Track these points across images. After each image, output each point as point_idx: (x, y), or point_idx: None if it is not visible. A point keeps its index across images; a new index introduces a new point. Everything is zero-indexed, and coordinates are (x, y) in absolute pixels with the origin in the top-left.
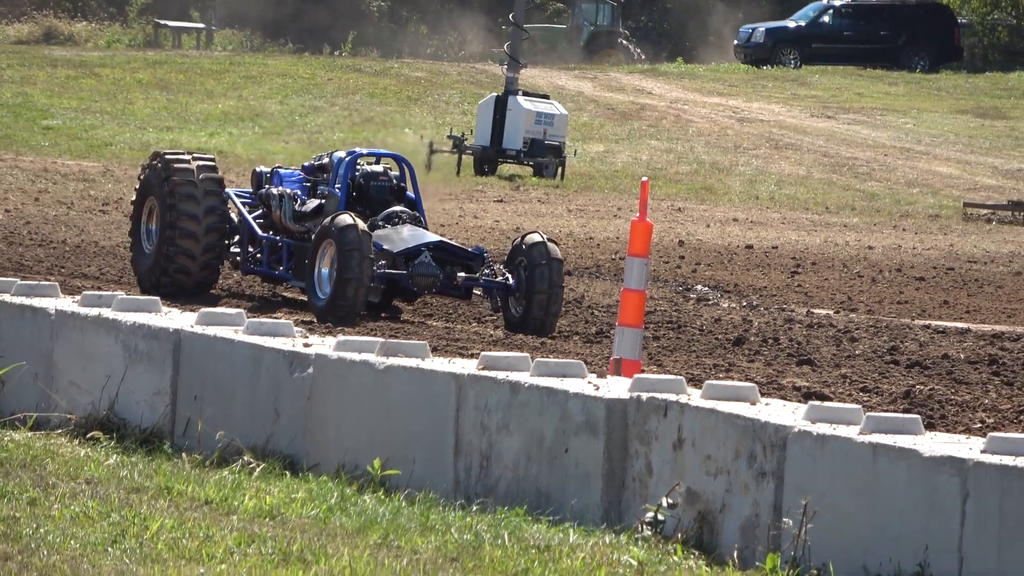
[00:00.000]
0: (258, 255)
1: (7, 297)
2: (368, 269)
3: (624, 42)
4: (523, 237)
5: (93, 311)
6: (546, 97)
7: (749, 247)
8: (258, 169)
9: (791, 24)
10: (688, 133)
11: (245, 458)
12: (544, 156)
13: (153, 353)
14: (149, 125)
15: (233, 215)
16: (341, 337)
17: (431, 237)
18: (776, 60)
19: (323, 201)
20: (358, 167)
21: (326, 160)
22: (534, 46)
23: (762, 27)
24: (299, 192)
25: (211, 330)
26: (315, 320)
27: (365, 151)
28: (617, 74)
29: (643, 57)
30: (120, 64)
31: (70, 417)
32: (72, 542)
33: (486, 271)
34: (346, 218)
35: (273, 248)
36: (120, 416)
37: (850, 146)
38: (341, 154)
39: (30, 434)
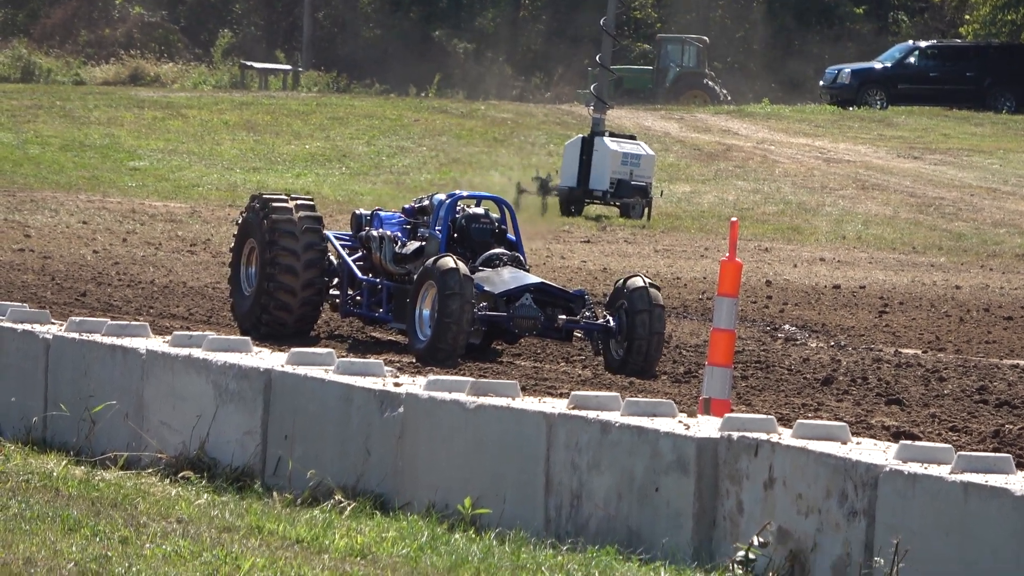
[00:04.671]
0: (358, 297)
1: (98, 337)
2: (469, 312)
3: (710, 83)
4: (625, 280)
5: (184, 351)
6: (632, 138)
7: (836, 287)
8: (358, 212)
9: (877, 65)
10: (774, 173)
11: (336, 497)
12: (631, 197)
13: (244, 393)
14: (236, 166)
15: (332, 258)
16: (432, 376)
17: (532, 279)
18: (862, 101)
19: (423, 243)
20: (458, 209)
21: (426, 202)
22: (620, 87)
23: (848, 68)
24: (399, 234)
25: (302, 370)
26: (405, 360)
27: (465, 193)
28: (703, 115)
29: (729, 98)
30: (207, 105)
31: (161, 456)
32: None
33: (587, 313)
34: (448, 260)
35: (373, 290)
36: (211, 455)
37: (936, 186)
38: (441, 196)
39: (121, 473)
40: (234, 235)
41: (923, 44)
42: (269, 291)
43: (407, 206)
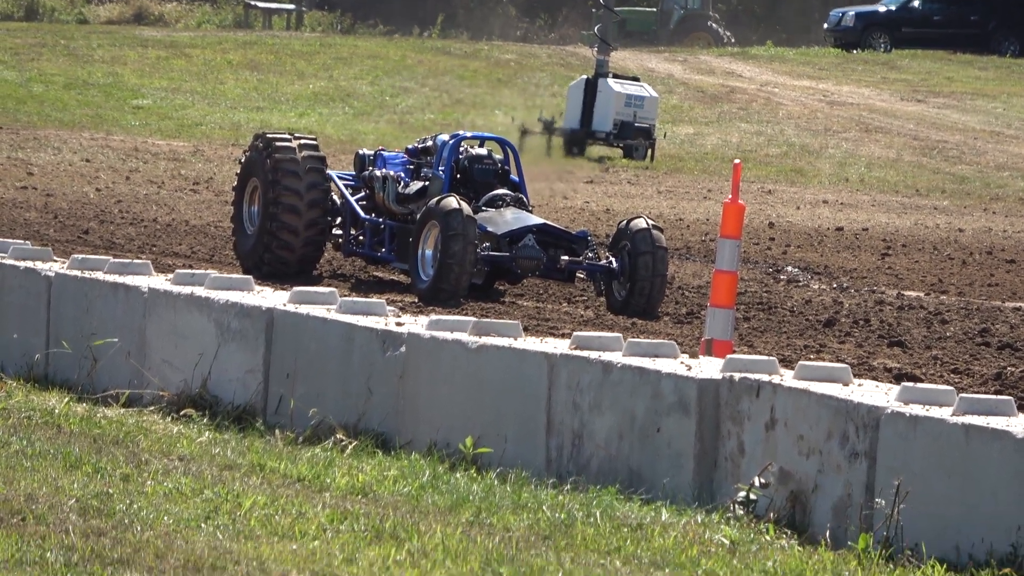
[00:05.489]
0: (360, 237)
1: (100, 275)
2: (472, 253)
3: (714, 25)
4: (628, 222)
5: (186, 289)
6: (636, 79)
7: (839, 229)
8: (361, 152)
9: (881, 8)
10: (778, 116)
11: (337, 436)
12: (634, 138)
13: (246, 331)
14: (239, 105)
15: (336, 197)
16: (433, 316)
17: (535, 220)
18: (866, 44)
19: (427, 184)
20: (462, 150)
21: (430, 143)
22: (624, 29)
23: (852, 11)
24: (402, 175)
25: (304, 309)
26: (407, 299)
27: (469, 134)
28: (707, 57)
29: (733, 40)
30: (211, 45)
31: (163, 394)
32: (165, 518)
33: (589, 254)
34: (451, 201)
35: (375, 230)
36: (212, 394)
37: (940, 130)
38: (445, 137)
39: (123, 411)
40: (237, 174)
41: None
42: (272, 230)
43: (410, 146)
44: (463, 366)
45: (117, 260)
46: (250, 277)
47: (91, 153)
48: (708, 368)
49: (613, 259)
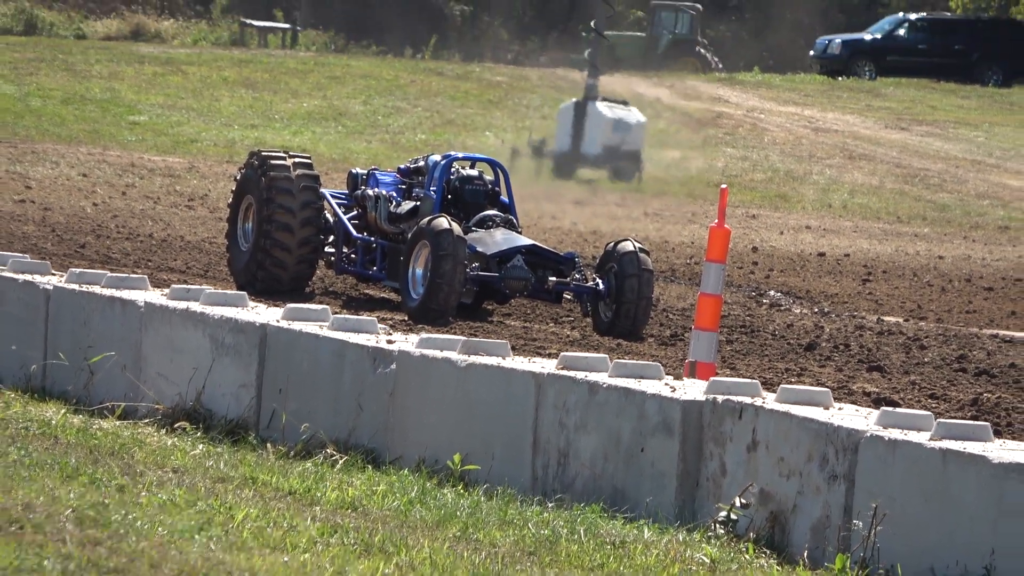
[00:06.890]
0: (352, 255)
1: (98, 289)
2: (461, 272)
3: (702, 51)
4: (615, 244)
5: (181, 304)
6: (625, 103)
7: (821, 254)
8: (354, 171)
9: (867, 36)
10: (763, 141)
11: (328, 450)
12: (622, 161)
13: (240, 347)
14: (234, 123)
15: (328, 215)
16: (424, 335)
17: (524, 241)
18: (851, 71)
19: (418, 203)
20: (453, 170)
21: (421, 163)
22: (614, 53)
23: (838, 39)
24: (394, 194)
25: (297, 325)
26: (398, 317)
27: (460, 155)
28: (695, 82)
29: (720, 66)
30: (207, 62)
31: (158, 407)
32: (160, 529)
33: (577, 275)
34: (442, 221)
35: (367, 249)
36: (206, 407)
37: (922, 158)
38: (437, 157)
39: (118, 423)
40: (232, 191)
41: (913, 17)
42: (265, 248)
43: (402, 166)
44: (452, 384)
45: (114, 274)
46: (244, 293)
47: (88, 168)
48: (692, 390)
49: (600, 281)
